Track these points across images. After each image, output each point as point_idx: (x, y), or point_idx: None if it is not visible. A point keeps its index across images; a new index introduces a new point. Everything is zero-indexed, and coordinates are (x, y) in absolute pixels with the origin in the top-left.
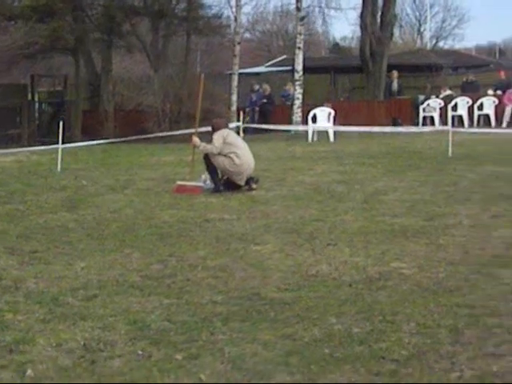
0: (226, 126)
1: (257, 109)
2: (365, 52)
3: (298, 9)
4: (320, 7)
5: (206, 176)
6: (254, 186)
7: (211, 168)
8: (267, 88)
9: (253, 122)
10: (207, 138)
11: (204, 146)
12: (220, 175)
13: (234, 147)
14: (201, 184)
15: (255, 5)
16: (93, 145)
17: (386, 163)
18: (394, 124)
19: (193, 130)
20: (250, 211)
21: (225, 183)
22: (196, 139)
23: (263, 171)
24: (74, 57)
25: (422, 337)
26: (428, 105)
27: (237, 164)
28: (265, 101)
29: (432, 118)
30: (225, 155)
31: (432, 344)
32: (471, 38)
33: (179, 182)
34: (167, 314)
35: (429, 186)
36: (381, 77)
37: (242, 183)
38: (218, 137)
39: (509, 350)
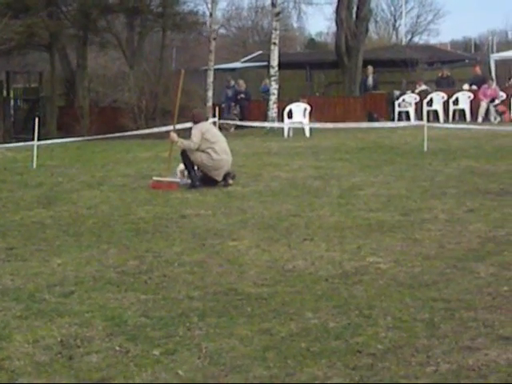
0: (206, 119)
1: (233, 104)
2: (340, 47)
3: (273, 4)
4: (295, 2)
5: (182, 171)
6: (230, 181)
7: (188, 164)
8: (242, 83)
9: (228, 118)
10: (184, 134)
11: (182, 142)
12: (197, 171)
13: (212, 143)
14: (177, 180)
15: (230, 0)
16: (68, 141)
17: (362, 158)
18: (370, 119)
19: (170, 127)
20: (226, 207)
21: (201, 179)
22: (174, 135)
23: (239, 167)
24: (50, 53)
25: (398, 331)
26: (403, 100)
27: (214, 159)
28: (242, 96)
29: (407, 113)
30: (202, 150)
31: (408, 338)
32: (446, 33)
33: (155, 178)
34: (144, 310)
35: (404, 180)
36: (356, 72)
37: (220, 178)
38: (196, 132)
39: (484, 344)
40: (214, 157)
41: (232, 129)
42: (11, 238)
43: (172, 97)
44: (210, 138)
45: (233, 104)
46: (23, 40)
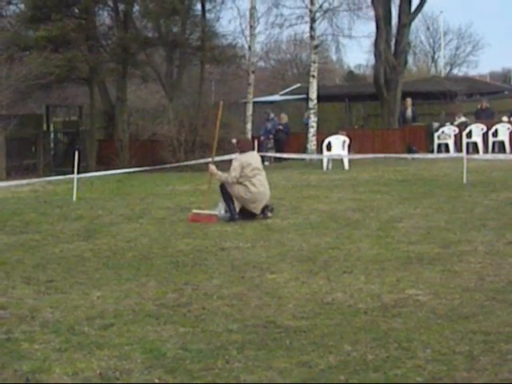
0: (251, 148)
1: (271, 136)
2: (379, 80)
3: (312, 37)
4: (334, 35)
5: (221, 204)
6: (269, 214)
7: (227, 197)
8: (284, 117)
9: (267, 150)
10: (222, 166)
11: (220, 176)
12: (235, 204)
13: (250, 177)
14: (216, 213)
15: (269, 34)
16: (108, 174)
17: (401, 190)
18: (409, 151)
19: (209, 159)
20: (265, 239)
21: (240, 212)
22: (213, 167)
23: (278, 199)
24: (89, 87)
25: (437, 363)
26: (443, 132)
27: (252, 192)
28: (280, 127)
29: (447, 145)
30: (240, 183)
31: (448, 371)
32: (485, 64)
33: (194, 211)
34: (183, 343)
35: (444, 212)
36: (395, 104)
37: (257, 212)
38: (236, 165)
39: None
40: (252, 189)
41: (266, 162)
42: (51, 271)
43: (211, 129)
44: (248, 173)
45: (271, 136)
46: (63, 74)
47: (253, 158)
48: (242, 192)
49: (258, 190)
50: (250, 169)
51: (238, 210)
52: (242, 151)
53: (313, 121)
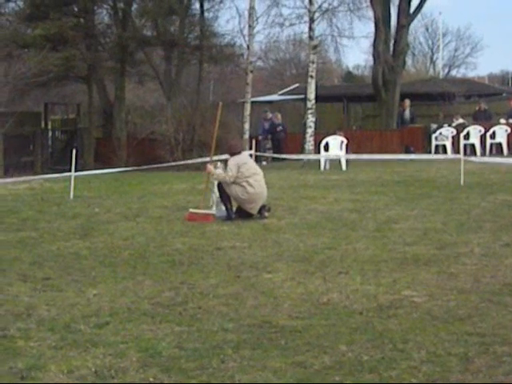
0: (242, 149)
1: (269, 136)
2: (377, 80)
3: (311, 37)
4: (332, 36)
5: (218, 204)
6: (266, 214)
7: (224, 196)
8: (278, 116)
9: (265, 150)
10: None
11: (218, 175)
12: (232, 203)
13: (247, 176)
14: (213, 212)
15: (268, 33)
16: (105, 173)
17: (398, 191)
18: (407, 152)
19: (207, 159)
20: (262, 239)
21: (237, 211)
22: (210, 167)
23: (275, 199)
24: (87, 85)
25: (432, 365)
26: (440, 133)
27: (249, 192)
28: (280, 128)
29: (444, 147)
30: (237, 184)
31: (442, 372)
32: (484, 66)
33: (191, 210)
34: (178, 342)
35: (441, 214)
36: (393, 105)
37: (254, 212)
38: (233, 165)
39: None
40: (249, 190)
41: (264, 162)
42: (48, 269)
43: (209, 129)
44: (245, 172)
45: (269, 136)
46: (61, 72)
47: (247, 158)
48: (240, 192)
49: (256, 191)
50: (246, 168)
51: (234, 209)
52: (233, 154)
53: (311, 121)
